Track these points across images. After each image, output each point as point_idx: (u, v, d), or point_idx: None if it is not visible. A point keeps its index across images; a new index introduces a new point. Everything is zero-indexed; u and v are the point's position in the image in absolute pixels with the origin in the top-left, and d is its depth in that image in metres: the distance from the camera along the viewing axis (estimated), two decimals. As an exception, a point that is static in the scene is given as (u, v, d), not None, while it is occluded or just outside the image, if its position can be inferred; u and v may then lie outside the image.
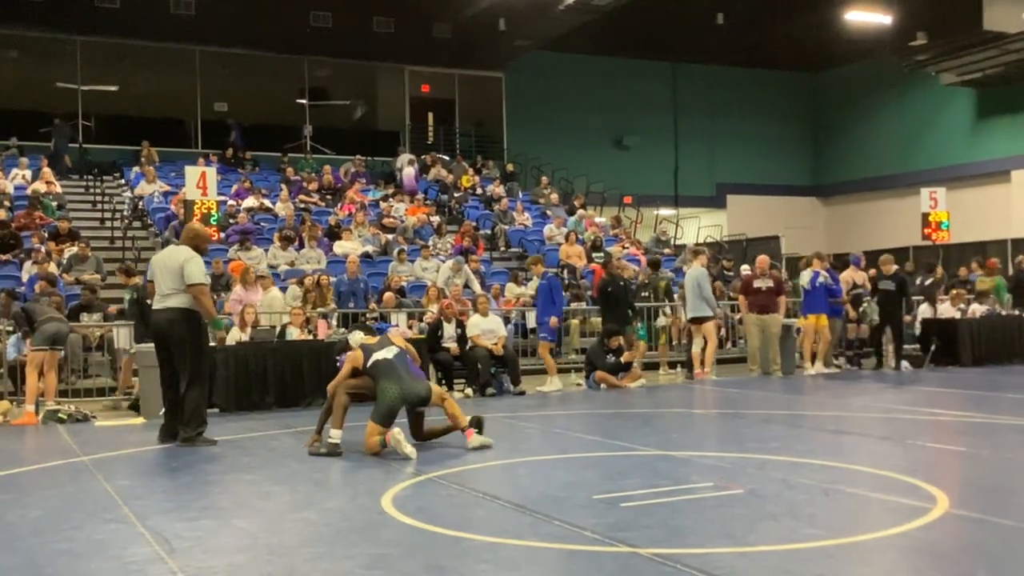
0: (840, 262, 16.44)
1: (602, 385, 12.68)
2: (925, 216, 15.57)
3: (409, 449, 7.16)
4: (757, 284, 14.06)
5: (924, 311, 15.78)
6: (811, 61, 30.20)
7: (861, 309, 14.51)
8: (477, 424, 7.71)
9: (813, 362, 14.14)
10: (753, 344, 14.10)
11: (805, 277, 14.16)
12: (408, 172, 23.00)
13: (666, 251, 21.20)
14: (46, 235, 16.35)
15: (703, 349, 13.60)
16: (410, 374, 7.64)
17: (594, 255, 19.00)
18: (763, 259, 14.49)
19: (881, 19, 24.13)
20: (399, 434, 7.19)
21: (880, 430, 8.70)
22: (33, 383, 10.41)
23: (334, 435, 7.46)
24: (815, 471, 6.37)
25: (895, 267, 14.56)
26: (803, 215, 31.67)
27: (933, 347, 14.97)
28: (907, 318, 14.65)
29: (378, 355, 7.62)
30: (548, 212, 22.30)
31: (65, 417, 10.15)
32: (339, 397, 7.61)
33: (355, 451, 7.53)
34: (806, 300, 14.16)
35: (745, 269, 17.70)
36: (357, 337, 8.04)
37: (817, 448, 7.47)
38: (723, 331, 16.57)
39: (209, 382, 10.78)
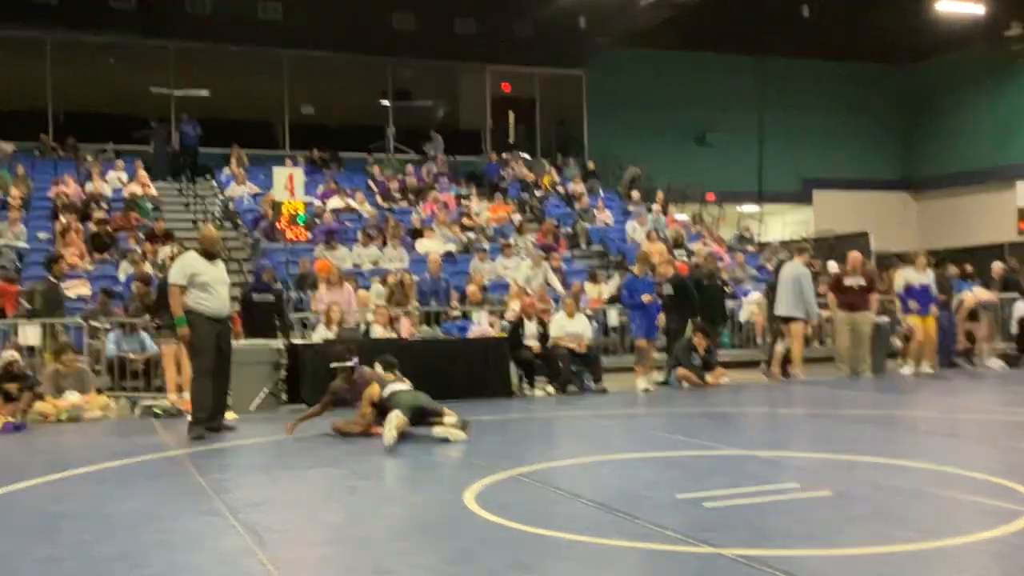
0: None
1: (685, 383, 12.58)
2: (1021, 211, 15.05)
3: (455, 435, 7.78)
4: (848, 282, 13.75)
5: (1020, 308, 15.30)
6: (900, 53, 29.39)
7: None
8: (462, 425, 8.05)
9: (918, 363, 13.85)
10: (842, 343, 13.80)
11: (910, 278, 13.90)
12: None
13: (749, 248, 20.91)
14: (142, 236, 16.88)
15: (788, 349, 13.38)
16: (418, 393, 8.40)
17: (676, 252, 18.84)
18: (855, 256, 14.16)
19: (973, 9, 23.41)
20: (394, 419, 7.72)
21: (974, 431, 8.46)
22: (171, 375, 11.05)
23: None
24: (905, 473, 6.23)
25: (672, 269, 13.45)
26: (893, 211, 30.84)
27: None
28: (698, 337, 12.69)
29: (394, 387, 8.40)
30: (631, 208, 22.15)
31: (160, 412, 10.48)
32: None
33: (439, 448, 7.64)
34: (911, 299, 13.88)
35: (833, 266, 17.36)
36: (377, 369, 8.82)
37: (907, 449, 7.30)
38: (808, 330, 16.29)
39: (297, 377, 11.13)
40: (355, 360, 9.38)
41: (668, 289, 12.93)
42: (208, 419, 8.92)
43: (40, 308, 11.77)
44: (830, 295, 14.19)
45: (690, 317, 12.89)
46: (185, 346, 9.12)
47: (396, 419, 7.79)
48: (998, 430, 8.45)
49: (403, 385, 8.56)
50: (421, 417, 8.10)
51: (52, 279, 12.12)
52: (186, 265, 8.94)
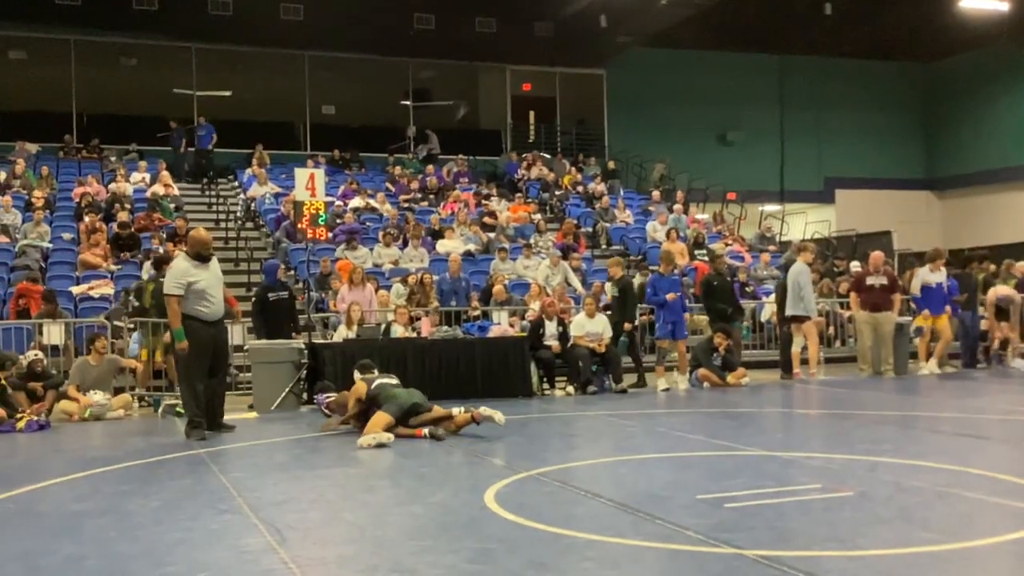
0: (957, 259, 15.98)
1: (705, 384, 12.54)
2: (1047, 210, 14.96)
3: (499, 417, 8.04)
4: (870, 281, 13.68)
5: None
6: (923, 51, 29.19)
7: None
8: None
9: (932, 362, 13.74)
10: (864, 343, 13.72)
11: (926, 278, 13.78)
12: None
13: (771, 247, 20.80)
14: (164, 236, 16.99)
15: (803, 349, 13.31)
16: (412, 390, 8.63)
17: (696, 252, 18.78)
18: (877, 255, 14.10)
19: (997, 5, 23.19)
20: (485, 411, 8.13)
21: (998, 432, 8.38)
22: None
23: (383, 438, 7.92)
24: (929, 474, 6.18)
25: (623, 271, 13.34)
26: (916, 209, 30.60)
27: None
28: (627, 326, 12.76)
29: (380, 381, 8.57)
30: (651, 208, 22.12)
31: (183, 412, 10.52)
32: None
33: (458, 447, 7.64)
34: (924, 299, 13.77)
35: (855, 266, 17.24)
36: (356, 377, 8.96)
37: (931, 450, 7.24)
38: (831, 329, 16.20)
39: (317, 377, 11.16)
40: (320, 398, 9.92)
41: (613, 291, 13.10)
42: (209, 420, 9.00)
43: (151, 306, 11.84)
44: (852, 295, 14.11)
45: (628, 320, 12.86)
46: (175, 354, 9.15)
47: (381, 420, 7.92)
48: (1022, 431, 8.37)
49: (390, 379, 8.68)
50: (414, 414, 8.25)
51: (162, 279, 12.25)
52: (179, 274, 8.79)
